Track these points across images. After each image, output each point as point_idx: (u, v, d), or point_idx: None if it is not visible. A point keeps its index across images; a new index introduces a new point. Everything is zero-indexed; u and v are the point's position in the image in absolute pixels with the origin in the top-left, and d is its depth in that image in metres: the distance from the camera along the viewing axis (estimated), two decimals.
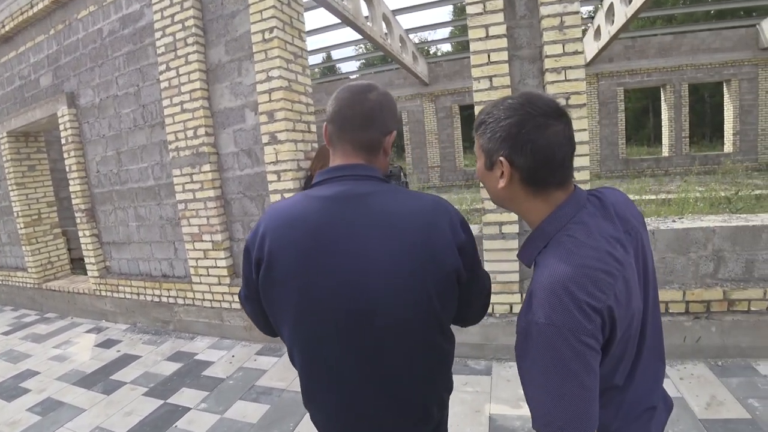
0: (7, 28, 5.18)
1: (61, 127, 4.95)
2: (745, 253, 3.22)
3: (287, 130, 3.93)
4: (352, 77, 20.60)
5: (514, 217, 3.40)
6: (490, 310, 3.56)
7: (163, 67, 4.29)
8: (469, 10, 3.37)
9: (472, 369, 3.54)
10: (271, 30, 3.85)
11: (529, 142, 0.90)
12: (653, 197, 9.04)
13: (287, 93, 3.94)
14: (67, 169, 5.02)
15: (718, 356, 3.24)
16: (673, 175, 13.25)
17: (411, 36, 13.83)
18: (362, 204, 1.02)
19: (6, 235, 6.45)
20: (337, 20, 9.71)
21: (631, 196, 9.33)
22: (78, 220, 5.11)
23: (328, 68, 27.93)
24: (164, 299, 4.73)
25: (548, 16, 3.18)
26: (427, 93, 16.69)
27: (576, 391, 0.80)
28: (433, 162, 17.11)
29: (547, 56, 3.21)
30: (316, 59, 19.81)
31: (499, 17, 3.27)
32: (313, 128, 4.30)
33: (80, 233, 5.07)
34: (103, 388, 3.87)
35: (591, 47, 13.20)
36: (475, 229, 3.64)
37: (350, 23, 8.03)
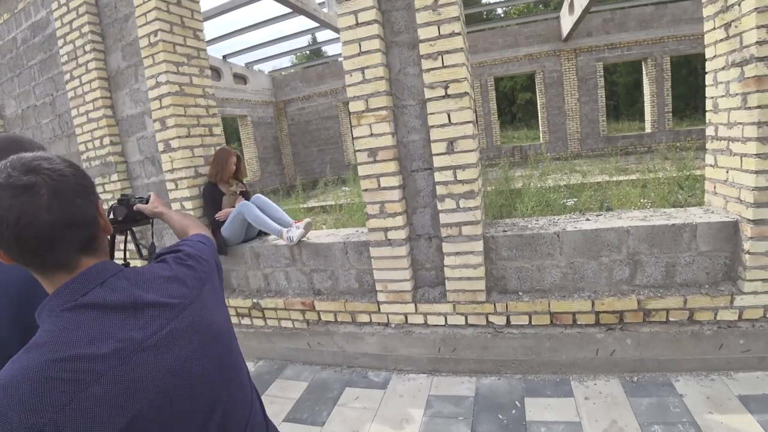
0: None
1: None
2: (665, 256, 2.48)
3: (179, 137, 3.33)
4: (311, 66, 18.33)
5: (399, 221, 2.73)
6: (386, 320, 2.94)
7: (67, 77, 3.72)
8: None
9: (369, 381, 2.95)
10: (155, 33, 3.22)
11: None
12: (623, 178, 8.08)
13: (178, 98, 3.32)
14: None
15: (634, 370, 2.55)
16: (656, 152, 12.00)
17: None
18: None
19: None
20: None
21: (597, 178, 8.39)
22: None
23: (314, 52, 25.48)
24: None
25: None
26: None
27: None
28: None
29: (421, 41, 2.47)
30: (302, 42, 17.99)
31: (368, 1, 2.52)
32: (217, 131, 3.67)
33: None
34: None
35: (566, 21, 11.92)
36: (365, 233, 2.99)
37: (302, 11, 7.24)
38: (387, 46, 2.67)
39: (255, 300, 3.39)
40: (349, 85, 2.67)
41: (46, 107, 4.05)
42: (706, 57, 2.55)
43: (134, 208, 1.53)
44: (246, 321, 3.49)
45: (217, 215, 3.38)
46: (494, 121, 14.28)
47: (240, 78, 15.14)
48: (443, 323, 2.83)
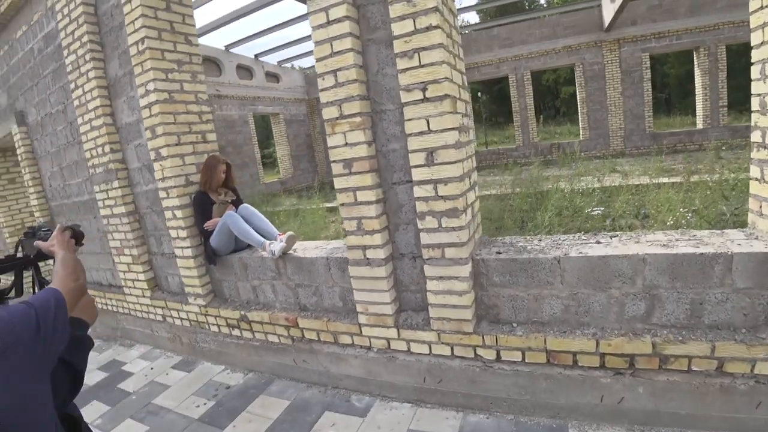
0: None
1: (16, 145, 4.54)
2: (690, 292, 1.97)
3: (168, 146, 3.15)
4: None
5: (377, 239, 2.37)
6: (368, 343, 2.62)
7: (72, 86, 3.65)
8: None
9: (350, 407, 2.67)
10: (142, 41, 3.04)
11: None
12: (665, 180, 7.18)
13: (166, 106, 3.14)
14: (26, 184, 4.63)
15: (647, 423, 2.10)
16: (708, 150, 10.70)
17: None
18: None
19: (1, 242, 6.35)
20: None
21: (638, 180, 7.50)
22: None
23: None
24: (110, 307, 4.25)
25: None
26: None
27: None
28: None
29: (395, 37, 2.09)
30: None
31: None
32: (211, 137, 3.46)
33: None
34: None
35: (608, 10, 10.79)
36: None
37: None
38: (363, 45, 2.31)
39: (243, 312, 3.16)
40: (322, 90, 2.33)
41: (60, 115, 4.03)
42: (752, 44, 1.98)
43: (34, 243, 1.32)
44: (236, 332, 3.28)
45: (205, 225, 3.17)
46: (530, 117, 13.33)
47: (272, 76, 15.12)
48: (428, 352, 2.46)
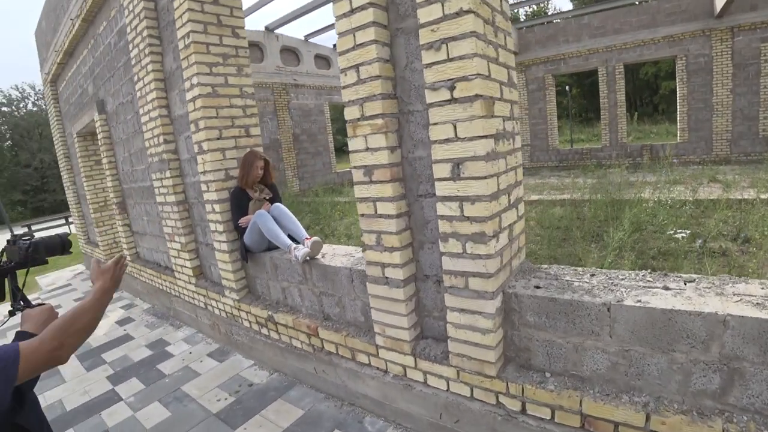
0: (65, 45, 5.24)
1: (98, 130, 4.87)
2: None
3: (209, 140, 3.11)
4: None
5: (396, 258, 2.08)
6: (384, 367, 2.37)
7: (135, 78, 3.77)
8: None
9: (361, 429, 2.47)
10: (188, 35, 3.01)
11: None
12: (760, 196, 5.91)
13: (209, 100, 3.10)
14: (104, 166, 4.96)
15: None
16: None
17: None
18: None
19: (88, 217, 6.90)
20: None
21: (743, 193, 6.23)
22: (114, 211, 5.08)
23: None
24: (165, 288, 4.44)
25: None
26: (517, 63, 12.86)
27: None
28: (523, 140, 13.45)
29: (421, 25, 1.76)
30: None
31: None
32: (254, 131, 3.37)
33: (116, 223, 5.07)
34: (90, 364, 3.81)
35: None
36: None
37: None
38: (391, 36, 1.99)
39: (270, 312, 3.06)
40: (344, 88, 2.07)
41: (129, 105, 4.22)
42: None
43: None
44: (264, 331, 3.20)
45: (240, 221, 3.10)
46: (620, 115, 11.83)
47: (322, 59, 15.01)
48: (445, 388, 2.13)
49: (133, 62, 3.74)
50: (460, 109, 1.71)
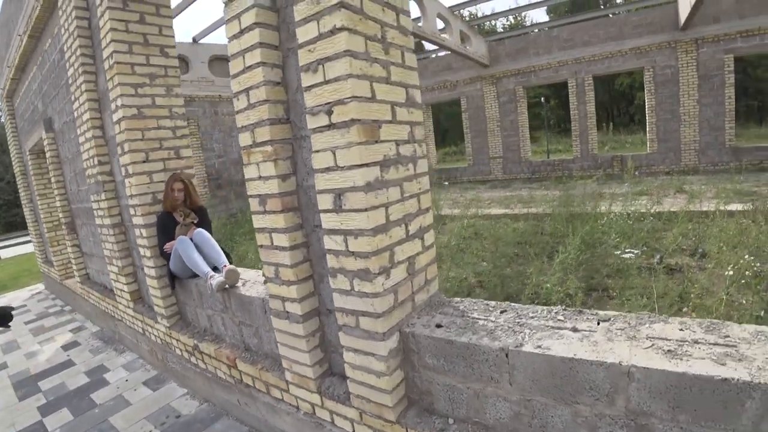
0: (16, 61, 5.03)
1: (45, 149, 4.64)
2: (698, 429, 1.22)
3: (134, 163, 2.91)
4: None
5: (293, 292, 1.87)
6: (295, 403, 2.14)
7: (72, 97, 3.55)
8: None
9: None
10: (111, 56, 2.81)
11: None
12: (738, 208, 5.75)
13: (134, 122, 2.90)
14: (53, 185, 4.72)
15: None
16: None
17: (462, 11, 10.83)
18: None
19: (44, 236, 6.60)
20: None
21: (706, 204, 6.06)
22: (63, 232, 4.83)
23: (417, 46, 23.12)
24: (110, 311, 4.18)
25: None
26: (488, 75, 12.74)
27: None
28: (495, 152, 13.20)
29: (300, 46, 1.56)
30: None
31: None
32: (185, 153, 3.16)
33: (65, 243, 4.82)
34: (24, 393, 3.56)
35: (684, 5, 8.96)
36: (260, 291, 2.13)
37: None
38: (283, 57, 1.80)
39: (196, 341, 2.82)
40: (237, 113, 1.87)
41: (72, 124, 4.00)
42: None
43: None
44: (194, 359, 2.96)
45: (165, 247, 2.87)
46: (591, 126, 11.70)
47: None
48: (351, 430, 1.91)
49: (70, 81, 3.53)
50: (338, 135, 1.51)
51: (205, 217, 3.06)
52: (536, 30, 13.25)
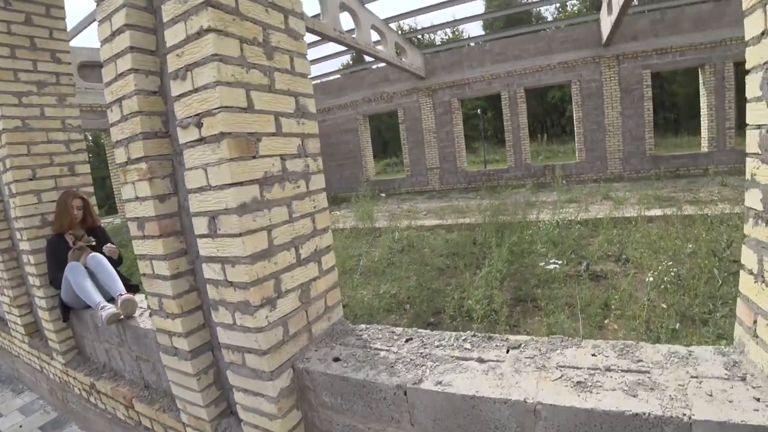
0: None
1: None
2: None
3: (18, 181, 2.52)
4: (330, 78, 15.49)
5: (179, 326, 1.61)
6: None
7: None
8: None
9: None
10: None
11: None
12: (657, 213, 6.09)
13: (17, 135, 2.52)
14: None
15: None
16: (714, 175, 9.32)
17: (403, 24, 10.91)
18: None
19: None
20: None
21: (631, 210, 6.38)
22: None
23: (358, 58, 22.17)
24: (6, 346, 3.63)
25: None
26: (424, 87, 12.87)
27: None
28: (432, 163, 13.28)
29: (169, 50, 1.34)
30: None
31: None
32: (82, 169, 2.79)
33: None
34: None
35: (606, 23, 9.58)
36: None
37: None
38: (161, 63, 1.56)
39: (92, 380, 2.45)
40: (111, 126, 1.61)
41: None
42: (749, 38, 1.10)
43: None
44: (93, 399, 2.57)
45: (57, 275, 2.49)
46: (523, 137, 12.11)
47: None
48: None
49: None
50: (209, 151, 1.30)
51: (104, 238, 2.69)
52: (472, 44, 13.65)
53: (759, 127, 1.05)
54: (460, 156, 13.15)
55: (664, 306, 3.30)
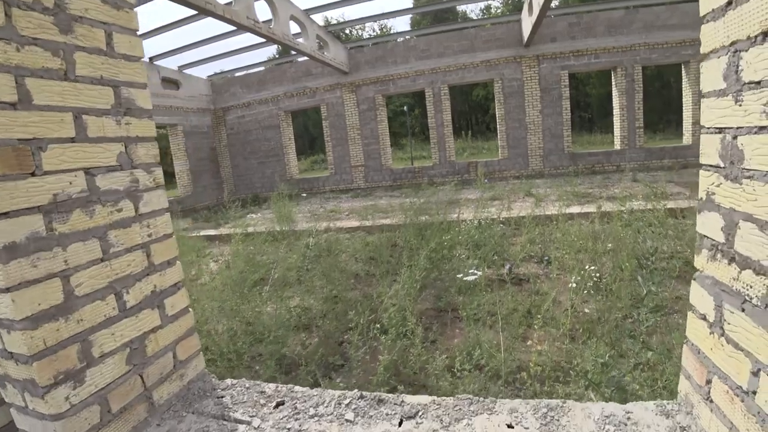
0: None
1: None
2: None
3: None
4: (251, 71, 14.85)
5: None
6: None
7: None
8: None
9: None
10: None
11: None
12: (577, 211, 6.51)
13: None
14: None
15: None
16: (626, 171, 10.38)
17: (325, 16, 10.67)
18: None
19: None
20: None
21: (551, 208, 6.79)
22: None
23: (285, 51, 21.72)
24: None
25: None
26: (347, 83, 12.90)
27: None
28: (357, 161, 13.34)
29: None
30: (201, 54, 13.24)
31: None
32: None
33: None
34: None
35: (527, 24, 10.24)
36: None
37: (191, 5, 5.68)
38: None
39: None
40: None
41: None
42: (705, 12, 0.98)
43: None
44: None
45: None
46: (447, 134, 12.50)
47: (170, 82, 13.11)
48: None
49: None
50: None
51: None
52: (398, 39, 13.82)
53: (720, 131, 0.91)
54: (385, 153, 13.22)
55: (587, 311, 3.42)
